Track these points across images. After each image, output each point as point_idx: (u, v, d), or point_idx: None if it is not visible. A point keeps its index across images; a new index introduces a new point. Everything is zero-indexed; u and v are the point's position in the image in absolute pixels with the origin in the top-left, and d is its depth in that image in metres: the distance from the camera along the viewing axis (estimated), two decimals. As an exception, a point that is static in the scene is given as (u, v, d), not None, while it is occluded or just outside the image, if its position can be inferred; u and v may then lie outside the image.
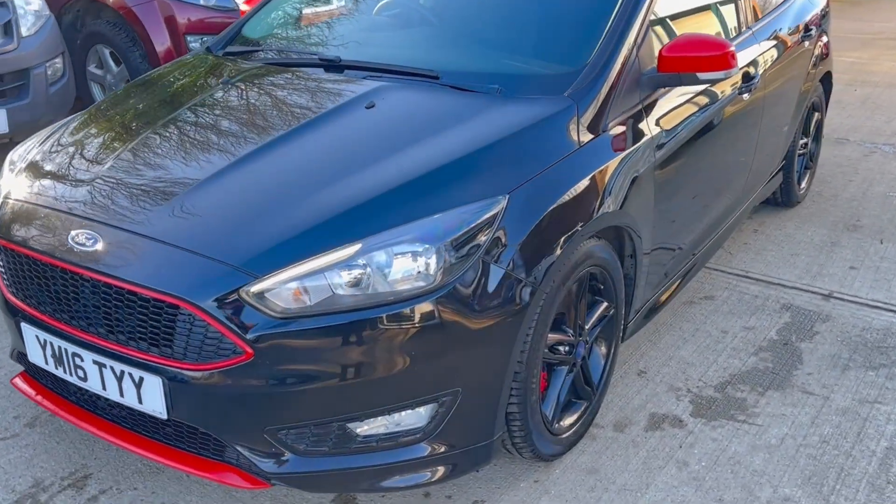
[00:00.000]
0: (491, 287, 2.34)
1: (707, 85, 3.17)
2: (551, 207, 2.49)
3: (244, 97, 2.96)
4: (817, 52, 4.68)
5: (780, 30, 4.17)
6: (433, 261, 2.26)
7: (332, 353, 2.22)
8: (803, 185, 5.05)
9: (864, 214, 4.93)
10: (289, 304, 2.20)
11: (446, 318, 2.28)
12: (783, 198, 4.89)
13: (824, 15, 4.88)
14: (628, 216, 2.83)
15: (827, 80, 5.07)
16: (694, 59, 2.96)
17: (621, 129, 2.87)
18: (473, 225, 2.33)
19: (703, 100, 3.34)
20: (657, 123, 3.02)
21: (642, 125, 2.96)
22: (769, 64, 3.94)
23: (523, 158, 2.57)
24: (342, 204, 2.35)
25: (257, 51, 3.42)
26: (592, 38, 2.98)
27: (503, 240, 2.37)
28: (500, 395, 2.44)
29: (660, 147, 3.02)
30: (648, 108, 3.02)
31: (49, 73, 5.21)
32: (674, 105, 3.16)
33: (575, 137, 2.70)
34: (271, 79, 3.10)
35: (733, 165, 3.75)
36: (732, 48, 3.01)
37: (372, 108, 2.76)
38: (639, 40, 3.01)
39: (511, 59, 3.09)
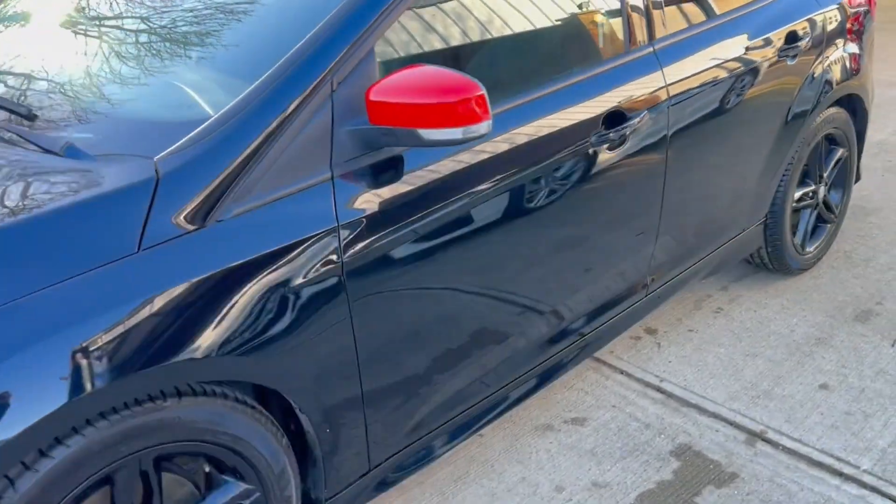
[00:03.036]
0: None
1: (445, 146, 1.92)
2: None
3: None
4: (826, 68, 3.21)
5: (726, 40, 2.77)
6: None
7: None
8: (812, 248, 3.57)
9: (893, 293, 3.42)
10: None
11: None
12: (774, 263, 3.46)
13: (848, 19, 3.36)
14: (246, 363, 1.70)
15: (855, 105, 3.55)
16: (413, 107, 1.77)
17: (268, 216, 1.73)
18: None
19: (508, 160, 2.11)
20: (374, 202, 1.85)
21: (324, 207, 1.79)
22: (692, 91, 2.60)
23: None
24: None
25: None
26: (244, 68, 1.85)
27: None
28: None
29: (372, 238, 1.85)
30: (353, 179, 1.85)
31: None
32: (429, 173, 1.97)
33: (135, 233, 1.59)
34: None
35: (595, 242, 2.46)
36: (480, 92, 1.78)
37: None
38: (343, 70, 1.84)
39: (144, 92, 1.99)
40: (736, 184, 2.95)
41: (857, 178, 3.79)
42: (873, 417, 2.68)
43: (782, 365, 2.97)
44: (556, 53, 2.34)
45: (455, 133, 1.78)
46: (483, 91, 1.78)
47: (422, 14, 2.07)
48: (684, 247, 2.82)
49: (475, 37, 2.17)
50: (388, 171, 1.90)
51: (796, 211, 3.48)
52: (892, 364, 2.95)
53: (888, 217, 4.12)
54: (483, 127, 1.80)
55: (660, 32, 2.53)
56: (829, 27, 3.19)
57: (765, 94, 2.89)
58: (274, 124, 1.74)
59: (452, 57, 2.14)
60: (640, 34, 2.47)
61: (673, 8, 2.63)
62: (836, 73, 3.26)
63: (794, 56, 2.98)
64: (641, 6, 2.48)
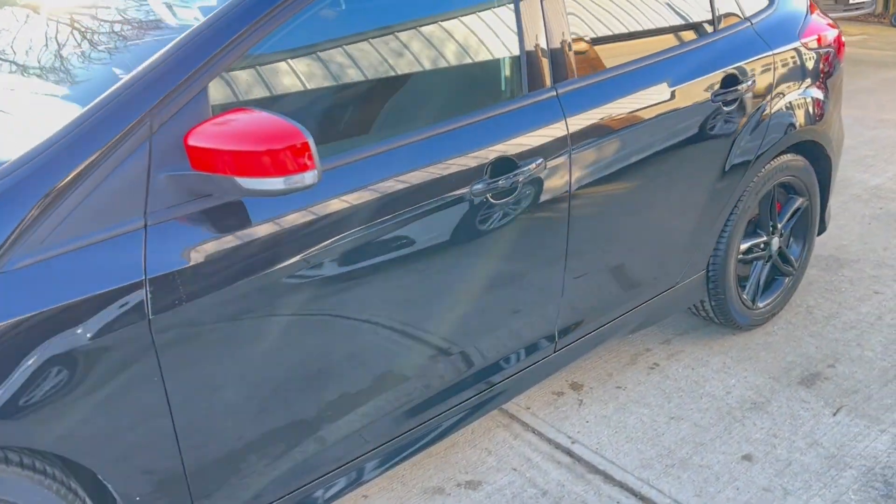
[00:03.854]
0: None
1: (267, 197, 1.79)
2: None
3: None
4: (777, 113, 3.01)
5: (650, 84, 2.60)
6: None
7: None
8: (764, 303, 3.36)
9: (851, 356, 3.20)
10: None
11: None
12: (719, 318, 3.26)
13: (808, 61, 3.16)
14: (20, 427, 1.57)
15: (815, 152, 3.34)
16: (230, 154, 1.64)
17: (63, 267, 1.61)
18: None
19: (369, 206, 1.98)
20: (198, 253, 1.73)
21: (132, 259, 1.67)
22: (602, 138, 2.44)
23: None
24: None
25: None
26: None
27: None
28: None
29: (189, 295, 1.71)
30: (172, 229, 1.72)
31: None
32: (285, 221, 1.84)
33: None
34: None
35: (480, 298, 2.31)
36: (303, 140, 1.65)
37: None
38: (165, 112, 1.71)
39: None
40: (662, 235, 2.77)
41: (822, 230, 3.58)
42: (793, 495, 2.47)
43: (708, 431, 2.78)
44: (440, 97, 2.20)
45: (276, 183, 1.65)
46: (308, 139, 1.65)
47: (280, 54, 1.93)
48: (599, 302, 2.65)
49: (346, 79, 2.03)
50: (219, 220, 1.77)
51: (747, 263, 3.28)
52: (828, 435, 2.74)
53: (863, 270, 3.89)
54: (308, 177, 1.66)
55: (567, 75, 2.37)
56: (781, 70, 3.00)
57: (696, 142, 2.71)
58: (77, 169, 1.62)
59: (315, 101, 2.00)
60: (542, 77, 2.31)
61: (589, 49, 2.47)
62: (789, 119, 3.06)
63: (733, 101, 2.80)
64: (545, 46, 2.32)
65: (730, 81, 2.79)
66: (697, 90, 2.68)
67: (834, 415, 2.85)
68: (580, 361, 2.90)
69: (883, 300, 3.60)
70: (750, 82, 2.84)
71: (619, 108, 2.47)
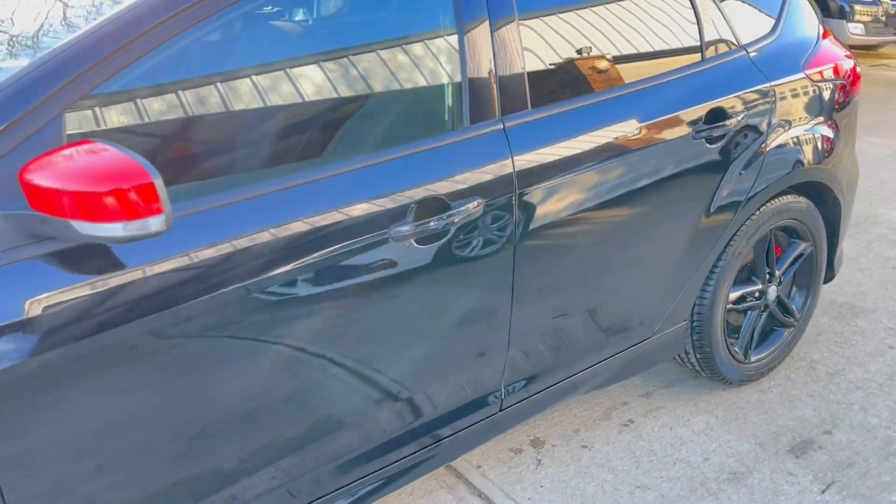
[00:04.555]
0: None
1: (109, 244, 1.55)
2: None
3: None
4: (774, 151, 2.69)
5: (620, 118, 2.30)
6: None
7: None
8: (757, 358, 3.03)
9: (852, 422, 2.85)
10: None
11: None
12: (706, 372, 2.94)
13: (818, 93, 2.83)
14: None
15: (822, 193, 3.00)
16: (64, 194, 1.40)
17: None
18: None
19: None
20: (35, 306, 1.49)
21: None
22: (555, 177, 2.15)
23: None
24: None
25: None
26: None
27: None
28: None
29: (24, 356, 1.48)
30: (5, 277, 1.49)
31: None
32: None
33: None
34: None
35: (403, 355, 2.04)
36: (147, 181, 1.40)
37: None
38: (6, 143, 1.49)
39: None
40: (630, 285, 2.47)
41: (830, 277, 3.23)
42: (760, 592, 2.15)
43: (675, 505, 2.47)
44: (361, 129, 1.93)
45: (114, 229, 1.41)
46: (153, 180, 1.40)
47: (170, 83, 1.69)
48: (554, 357, 2.36)
49: (246, 106, 1.78)
50: (72, 265, 1.53)
51: (741, 313, 2.96)
52: (813, 518, 2.41)
53: (879, 321, 3.53)
54: (154, 224, 1.42)
55: (519, 107, 2.09)
56: (780, 104, 2.68)
57: (672, 182, 2.41)
58: None
59: (207, 132, 1.75)
60: (489, 108, 2.04)
61: (549, 79, 2.19)
62: (789, 157, 2.74)
63: (719, 138, 2.49)
64: (493, 73, 2.05)
65: (716, 116, 2.48)
66: (675, 125, 2.38)
67: (822, 492, 2.51)
68: (544, 415, 2.62)
69: (896, 358, 3.24)
70: (740, 117, 2.53)
71: (578, 144, 2.18)
